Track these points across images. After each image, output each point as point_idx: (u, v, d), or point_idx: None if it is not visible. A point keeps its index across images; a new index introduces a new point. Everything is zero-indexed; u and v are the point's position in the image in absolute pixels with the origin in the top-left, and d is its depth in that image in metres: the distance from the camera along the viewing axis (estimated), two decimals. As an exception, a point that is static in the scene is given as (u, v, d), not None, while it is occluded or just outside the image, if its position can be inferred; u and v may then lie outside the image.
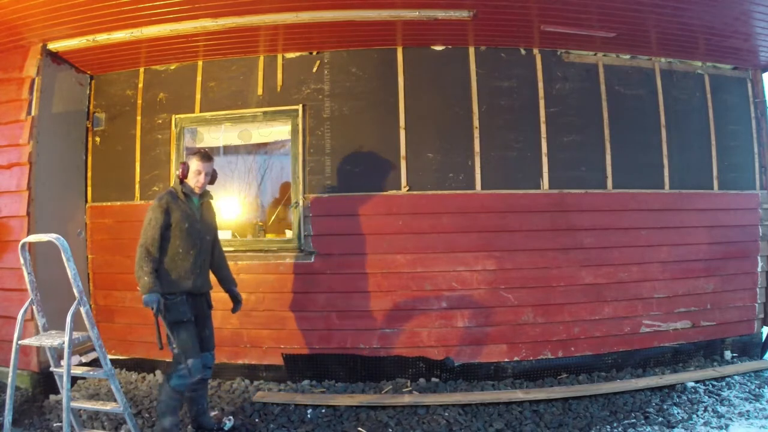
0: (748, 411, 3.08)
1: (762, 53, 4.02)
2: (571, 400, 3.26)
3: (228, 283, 2.97)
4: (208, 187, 2.82)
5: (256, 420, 3.05)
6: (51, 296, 3.03)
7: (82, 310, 2.42)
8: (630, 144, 3.92)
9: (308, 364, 3.68)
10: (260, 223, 4.29)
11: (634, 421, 2.98)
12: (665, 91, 4.05)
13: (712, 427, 2.87)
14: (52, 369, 2.62)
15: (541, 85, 3.85)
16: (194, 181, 2.71)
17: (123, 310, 3.85)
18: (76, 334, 2.46)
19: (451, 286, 3.66)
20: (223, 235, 3.88)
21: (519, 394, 3.30)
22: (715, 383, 3.52)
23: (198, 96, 3.91)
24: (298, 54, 3.84)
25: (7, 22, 3.19)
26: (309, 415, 3.10)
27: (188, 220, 2.67)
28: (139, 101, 4.01)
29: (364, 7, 3.24)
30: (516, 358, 3.70)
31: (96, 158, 4.06)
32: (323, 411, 3.15)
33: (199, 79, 3.92)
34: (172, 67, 3.98)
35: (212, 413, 3.04)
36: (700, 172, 4.09)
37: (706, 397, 3.31)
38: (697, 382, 3.51)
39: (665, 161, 3.99)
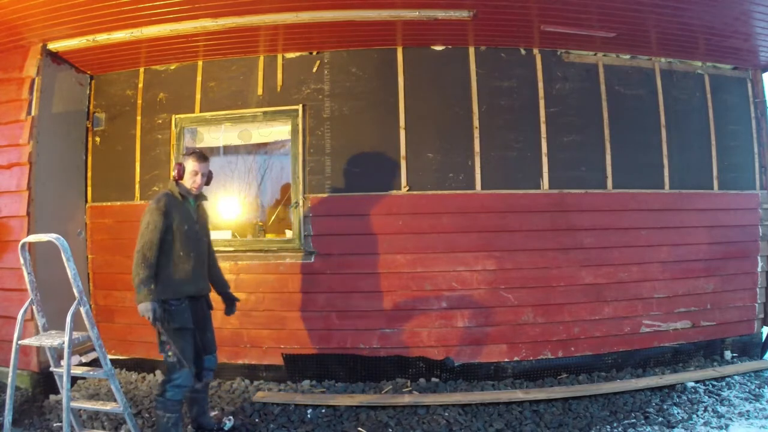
0: (748, 411, 3.08)
1: (762, 53, 4.02)
2: (571, 400, 3.26)
3: (222, 286, 2.96)
4: (203, 188, 2.79)
5: (256, 420, 3.05)
6: (51, 296, 3.03)
7: (82, 310, 2.42)
8: (630, 144, 3.92)
9: (308, 364, 3.68)
10: (260, 223, 4.29)
11: (634, 421, 2.98)
12: (665, 91, 4.05)
13: (712, 427, 2.87)
14: (52, 369, 2.62)
15: (541, 85, 3.85)
16: (191, 182, 2.68)
17: (123, 310, 3.84)
18: (76, 334, 2.46)
19: (451, 286, 3.66)
20: (223, 235, 3.90)
21: (519, 394, 3.29)
22: (715, 383, 3.52)
23: (198, 96, 3.91)
24: (298, 54, 3.84)
25: (7, 22, 3.19)
26: (309, 415, 3.10)
27: (187, 222, 2.65)
28: (139, 101, 4.01)
29: (364, 7, 3.24)
30: (516, 358, 3.70)
31: (96, 158, 4.06)
32: (323, 411, 3.15)
33: (199, 79, 3.92)
34: (172, 67, 3.99)
35: (212, 413, 3.04)
36: (700, 172, 4.09)
37: (706, 397, 3.31)
38: (697, 382, 3.51)
39: (665, 161, 3.99)
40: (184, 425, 2.76)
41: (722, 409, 3.11)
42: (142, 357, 3.80)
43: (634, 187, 3.90)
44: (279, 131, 3.96)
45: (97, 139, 4.07)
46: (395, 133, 3.74)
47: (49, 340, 2.50)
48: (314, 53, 3.82)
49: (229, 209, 4.33)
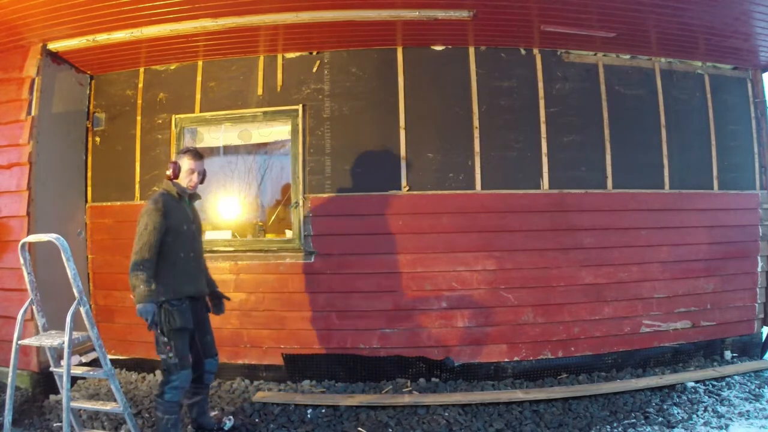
0: (748, 411, 3.08)
1: (762, 53, 4.02)
2: (571, 400, 3.26)
3: (210, 285, 2.92)
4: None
5: (256, 420, 3.05)
6: (51, 296, 3.03)
7: (82, 310, 2.42)
8: (630, 144, 3.92)
9: (308, 364, 3.68)
10: (260, 223, 4.29)
11: (634, 421, 2.98)
12: (665, 91, 4.05)
13: (712, 427, 2.87)
14: (52, 369, 2.62)
15: (541, 85, 3.85)
16: (187, 180, 2.65)
17: (123, 310, 3.84)
18: (76, 334, 2.45)
19: (451, 286, 3.66)
20: (223, 235, 3.90)
21: (519, 394, 3.29)
22: (715, 383, 3.52)
23: (198, 96, 3.91)
24: (298, 54, 3.84)
25: (7, 22, 3.19)
26: (309, 415, 3.10)
27: (185, 222, 2.63)
28: (139, 101, 4.01)
29: (364, 7, 3.24)
30: (516, 358, 3.70)
31: (96, 158, 4.06)
32: (323, 411, 3.15)
33: (199, 79, 3.92)
34: (172, 67, 3.99)
35: (212, 413, 3.04)
36: (700, 172, 4.09)
37: (706, 397, 3.31)
38: (697, 382, 3.51)
39: (665, 161, 3.99)
40: (184, 425, 2.76)
41: (722, 409, 3.11)
42: (142, 357, 3.79)
43: (634, 187, 3.90)
44: (279, 131, 3.96)
45: (97, 139, 4.07)
46: (395, 133, 3.73)
47: (49, 340, 2.50)
48: (314, 53, 3.82)
49: (229, 209, 4.33)
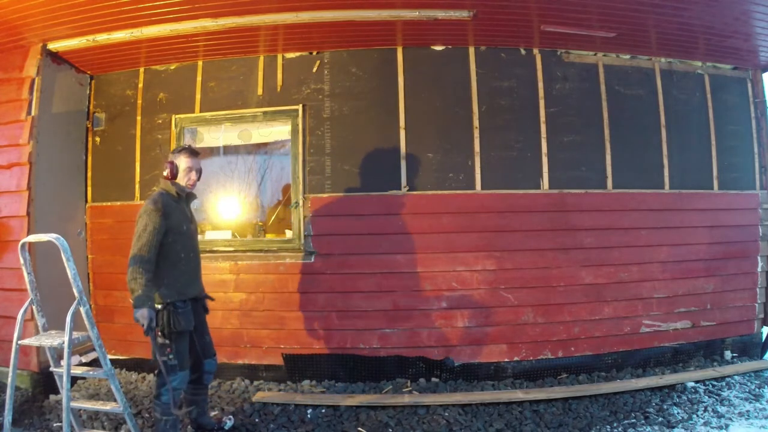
0: (748, 411, 3.08)
1: (762, 53, 4.02)
2: (571, 400, 3.26)
3: None
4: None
5: (256, 420, 3.05)
6: (51, 296, 3.03)
7: (82, 310, 2.42)
8: (630, 144, 3.92)
9: (308, 364, 3.68)
10: (260, 223, 4.29)
11: (634, 421, 2.98)
12: (665, 91, 4.05)
13: (712, 427, 2.87)
14: (52, 369, 2.62)
15: (541, 85, 3.85)
16: (186, 179, 2.63)
17: (123, 310, 3.84)
18: (76, 334, 2.45)
19: (451, 286, 3.66)
20: (223, 235, 3.90)
21: (519, 394, 3.30)
22: (715, 383, 3.52)
23: (198, 96, 3.91)
24: (298, 54, 3.84)
25: (7, 22, 3.19)
26: (309, 415, 3.10)
27: (185, 221, 2.61)
28: (139, 101, 4.01)
29: (364, 7, 3.24)
30: (516, 358, 3.70)
31: (96, 158, 4.06)
32: (323, 411, 3.15)
33: (199, 79, 3.92)
34: (172, 67, 3.99)
35: (212, 413, 3.04)
36: (700, 172, 4.09)
37: (706, 397, 3.31)
38: (697, 382, 3.51)
39: (665, 161, 3.99)
40: (183, 425, 2.76)
41: (722, 409, 3.11)
42: (142, 357, 3.79)
43: (634, 187, 3.90)
44: (279, 131, 3.96)
45: (97, 139, 4.07)
46: (395, 133, 3.73)
47: (49, 340, 2.50)
48: (314, 53, 3.82)
49: (229, 209, 4.33)
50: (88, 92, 4.08)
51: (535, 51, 3.88)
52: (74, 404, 2.54)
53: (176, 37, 3.47)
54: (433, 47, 3.82)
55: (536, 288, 3.71)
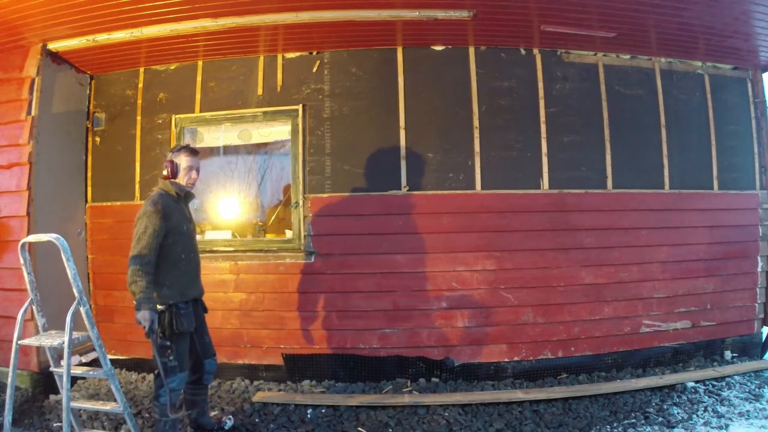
0: (748, 411, 3.08)
1: (762, 53, 4.02)
2: (571, 400, 3.26)
3: None
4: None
5: (256, 420, 3.05)
6: (51, 296, 3.04)
7: (82, 310, 2.42)
8: (630, 144, 3.92)
9: (308, 364, 3.68)
10: (260, 223, 4.29)
11: (634, 421, 2.98)
12: (665, 91, 4.05)
13: (712, 427, 2.87)
14: (52, 369, 2.62)
15: (541, 85, 3.85)
16: (186, 178, 2.61)
17: (123, 310, 3.84)
18: (76, 334, 2.45)
19: (451, 286, 3.66)
20: (223, 235, 3.90)
21: (519, 394, 3.30)
22: (715, 383, 3.52)
23: (198, 96, 3.91)
24: (298, 54, 3.84)
25: (7, 22, 3.19)
26: (309, 415, 3.10)
27: (184, 222, 2.60)
28: (139, 101, 4.01)
29: (364, 7, 3.23)
30: (516, 358, 3.69)
31: (96, 158, 4.06)
32: (323, 411, 3.15)
33: (199, 79, 3.92)
34: (172, 67, 3.99)
35: (212, 413, 3.04)
36: (700, 172, 4.09)
37: (706, 397, 3.31)
38: (697, 382, 3.51)
39: (665, 161, 3.99)
40: (183, 426, 2.76)
41: (722, 409, 3.11)
42: (142, 357, 3.79)
43: (634, 187, 3.90)
44: (279, 131, 3.96)
45: (97, 139, 4.07)
46: (395, 133, 3.73)
47: (49, 340, 2.50)
48: (314, 53, 3.82)
49: (229, 209, 4.33)
50: (88, 92, 4.08)
51: (535, 51, 3.88)
52: (74, 404, 2.54)
53: (176, 37, 3.47)
54: (433, 47, 3.82)
55: (536, 288, 3.71)
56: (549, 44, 3.81)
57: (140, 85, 4.01)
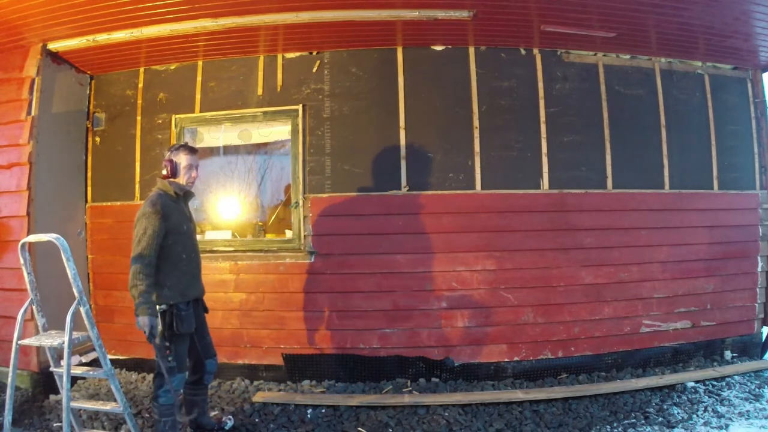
0: (748, 411, 3.08)
1: (762, 53, 4.02)
2: (571, 400, 3.26)
3: None
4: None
5: (256, 420, 3.05)
6: (51, 296, 3.03)
7: (82, 310, 2.42)
8: (630, 144, 3.92)
9: (308, 364, 3.68)
10: (260, 223, 4.29)
11: (634, 421, 2.98)
12: (665, 91, 4.05)
13: (712, 427, 2.87)
14: (52, 369, 2.62)
15: (541, 85, 3.85)
16: (187, 177, 2.59)
17: (123, 310, 3.84)
18: (76, 334, 2.45)
19: (451, 286, 3.66)
20: (223, 235, 3.90)
21: (519, 394, 3.30)
22: (715, 383, 3.52)
23: (198, 96, 3.91)
24: (298, 54, 3.84)
25: (7, 22, 3.19)
26: (309, 415, 3.10)
27: (184, 222, 2.59)
28: (139, 101, 4.01)
29: (364, 7, 3.23)
30: (516, 358, 3.69)
31: (96, 158, 4.06)
32: (323, 411, 3.15)
33: (199, 79, 3.92)
34: (172, 67, 3.99)
35: (212, 413, 3.04)
36: (700, 172, 4.09)
37: (706, 397, 3.31)
38: (697, 382, 3.51)
39: (665, 161, 3.99)
40: (183, 426, 2.76)
41: (722, 409, 3.11)
42: (142, 357, 3.79)
43: (634, 187, 3.90)
44: (279, 131, 3.96)
45: (97, 139, 4.07)
46: (395, 133, 3.73)
47: (49, 340, 2.50)
48: (314, 53, 3.82)
49: (229, 209, 4.33)
50: (88, 92, 4.08)
51: (535, 51, 3.88)
52: (74, 404, 2.54)
53: (176, 37, 3.47)
54: (433, 47, 3.82)
55: (536, 288, 3.71)
56: (549, 44, 3.81)
57: (140, 85, 4.01)
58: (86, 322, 2.44)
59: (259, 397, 3.32)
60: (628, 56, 4.01)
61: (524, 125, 3.81)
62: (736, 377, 3.62)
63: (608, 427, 2.92)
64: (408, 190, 3.69)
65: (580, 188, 3.82)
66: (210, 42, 3.60)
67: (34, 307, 2.63)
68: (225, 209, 4.32)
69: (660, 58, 4.06)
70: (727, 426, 2.87)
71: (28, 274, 2.58)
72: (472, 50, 3.82)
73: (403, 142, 3.72)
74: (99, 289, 3.98)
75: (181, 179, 2.61)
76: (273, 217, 4.33)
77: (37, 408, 3.20)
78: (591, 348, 3.78)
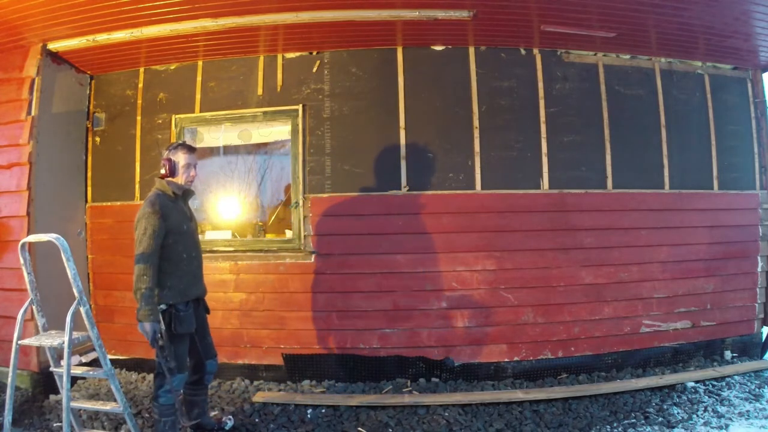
0: (748, 411, 3.08)
1: (762, 53, 4.02)
2: (571, 400, 3.26)
3: None
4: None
5: (256, 420, 3.05)
6: (51, 296, 3.03)
7: (82, 310, 2.42)
8: (630, 144, 3.92)
9: (308, 364, 3.68)
10: (260, 223, 4.29)
11: (634, 421, 2.98)
12: (665, 91, 4.05)
13: (712, 427, 2.87)
14: (52, 369, 2.62)
15: (541, 85, 3.85)
16: (186, 176, 2.58)
17: (123, 310, 3.84)
18: (76, 334, 2.45)
19: (451, 286, 3.66)
20: (223, 235, 3.90)
21: (519, 394, 3.30)
22: (715, 383, 3.52)
23: (198, 96, 3.91)
24: (298, 54, 3.84)
25: (7, 22, 3.19)
26: (309, 415, 3.10)
27: (184, 221, 2.58)
28: (139, 101, 4.01)
29: (364, 7, 3.23)
30: (516, 358, 3.69)
31: (96, 158, 4.06)
32: (323, 411, 3.15)
33: (199, 79, 3.92)
34: (172, 67, 3.99)
35: (212, 413, 3.04)
36: (700, 172, 4.09)
37: (706, 397, 3.31)
38: (697, 382, 3.51)
39: (665, 161, 3.99)
40: (183, 426, 2.76)
41: (722, 409, 3.11)
42: (142, 357, 3.79)
43: (634, 187, 3.90)
44: (279, 131, 3.96)
45: (97, 139, 4.07)
46: (395, 133, 3.73)
47: (49, 340, 2.50)
48: (314, 53, 3.82)
49: (229, 209, 4.33)
50: (88, 92, 4.08)
51: (535, 51, 3.88)
52: (74, 404, 2.54)
53: (176, 37, 3.47)
54: (433, 47, 3.82)
55: (536, 288, 3.71)
56: (549, 44, 3.81)
57: (140, 85, 4.01)
58: (86, 322, 2.44)
59: (259, 397, 3.32)
60: (628, 56, 4.01)
61: (524, 125, 3.81)
62: (736, 377, 3.62)
63: (608, 427, 2.92)
64: (408, 190, 3.69)
65: (580, 188, 3.82)
66: (210, 42, 3.60)
67: (34, 307, 2.63)
68: (225, 209, 4.32)
69: (660, 58, 4.06)
70: (727, 426, 2.87)
71: (28, 274, 2.57)
72: (472, 50, 3.82)
73: (403, 142, 3.72)
74: (99, 289, 3.98)
75: (180, 178, 2.59)
76: (273, 217, 4.33)
77: (37, 408, 3.20)
78: (591, 348, 3.78)
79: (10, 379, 2.51)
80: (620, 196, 3.87)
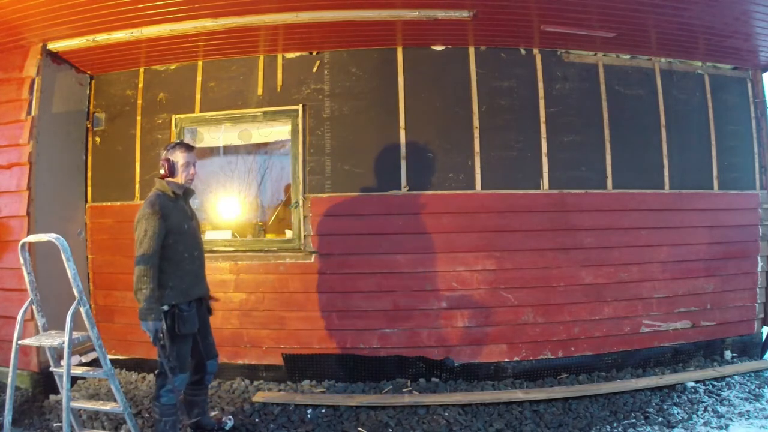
0: (748, 411, 3.08)
1: (762, 53, 4.02)
2: (571, 400, 3.26)
3: None
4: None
5: (256, 420, 3.05)
6: (51, 296, 3.03)
7: (82, 310, 2.42)
8: (630, 144, 3.92)
9: (308, 364, 3.68)
10: (260, 223, 4.29)
11: (634, 421, 2.98)
12: (665, 91, 4.05)
13: (712, 427, 2.87)
14: (52, 369, 2.62)
15: (541, 85, 3.85)
16: (185, 175, 2.57)
17: (123, 310, 3.84)
18: (76, 334, 2.45)
19: (451, 286, 3.66)
20: (223, 235, 3.90)
21: (519, 394, 3.30)
22: (715, 383, 3.52)
23: (198, 96, 3.91)
24: (298, 54, 3.84)
25: (7, 22, 3.19)
26: (309, 415, 3.10)
27: (185, 220, 2.58)
28: (139, 101, 4.01)
29: (364, 7, 3.23)
30: (516, 358, 3.69)
31: (96, 158, 4.06)
32: (323, 411, 3.15)
33: (199, 79, 3.92)
34: (172, 67, 3.99)
35: (212, 413, 3.04)
36: (700, 172, 4.09)
37: (706, 397, 3.31)
38: (697, 382, 3.51)
39: (665, 161, 3.99)
40: (183, 426, 2.76)
41: (722, 409, 3.11)
42: (142, 357, 3.79)
43: (634, 187, 3.90)
44: (279, 131, 3.96)
45: (97, 139, 4.07)
46: (395, 133, 3.73)
47: (49, 340, 2.50)
48: (314, 53, 3.82)
49: (229, 209, 4.33)
50: (88, 92, 4.08)
51: (535, 51, 3.88)
52: (74, 404, 2.54)
53: (176, 37, 3.47)
54: (433, 47, 3.82)
55: (536, 288, 3.71)
56: (549, 44, 3.81)
57: (140, 85, 4.01)
58: (86, 322, 2.44)
59: (259, 397, 3.32)
60: (628, 56, 4.01)
61: (524, 125, 3.81)
62: (736, 377, 3.62)
63: (608, 427, 2.92)
64: (408, 190, 3.69)
65: (580, 188, 3.82)
66: (210, 42, 3.60)
67: (34, 307, 2.63)
68: (225, 209, 4.32)
69: (660, 58, 4.06)
70: (727, 426, 2.87)
71: (28, 274, 2.57)
72: (472, 50, 3.82)
73: (403, 141, 3.72)
74: (99, 289, 3.98)
75: (180, 177, 2.58)
76: (273, 217, 4.33)
77: (37, 408, 3.21)
78: (591, 348, 3.78)
79: (10, 379, 2.51)
80: (620, 196, 3.87)
